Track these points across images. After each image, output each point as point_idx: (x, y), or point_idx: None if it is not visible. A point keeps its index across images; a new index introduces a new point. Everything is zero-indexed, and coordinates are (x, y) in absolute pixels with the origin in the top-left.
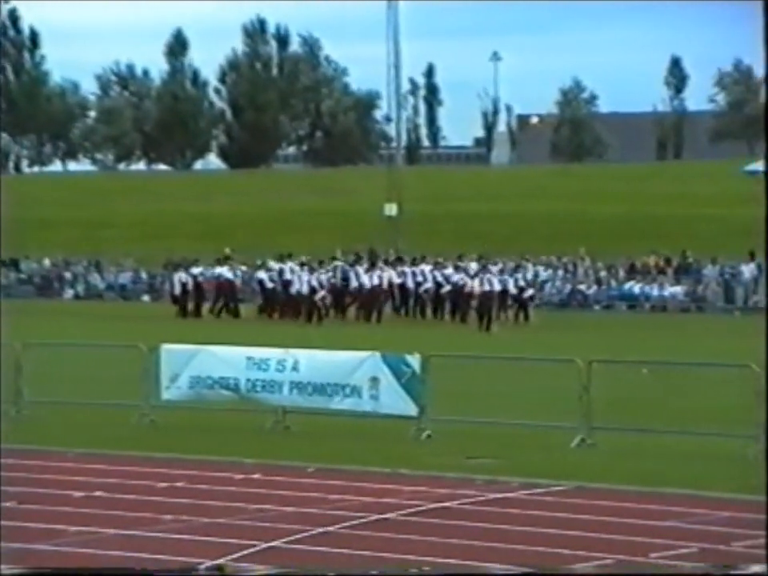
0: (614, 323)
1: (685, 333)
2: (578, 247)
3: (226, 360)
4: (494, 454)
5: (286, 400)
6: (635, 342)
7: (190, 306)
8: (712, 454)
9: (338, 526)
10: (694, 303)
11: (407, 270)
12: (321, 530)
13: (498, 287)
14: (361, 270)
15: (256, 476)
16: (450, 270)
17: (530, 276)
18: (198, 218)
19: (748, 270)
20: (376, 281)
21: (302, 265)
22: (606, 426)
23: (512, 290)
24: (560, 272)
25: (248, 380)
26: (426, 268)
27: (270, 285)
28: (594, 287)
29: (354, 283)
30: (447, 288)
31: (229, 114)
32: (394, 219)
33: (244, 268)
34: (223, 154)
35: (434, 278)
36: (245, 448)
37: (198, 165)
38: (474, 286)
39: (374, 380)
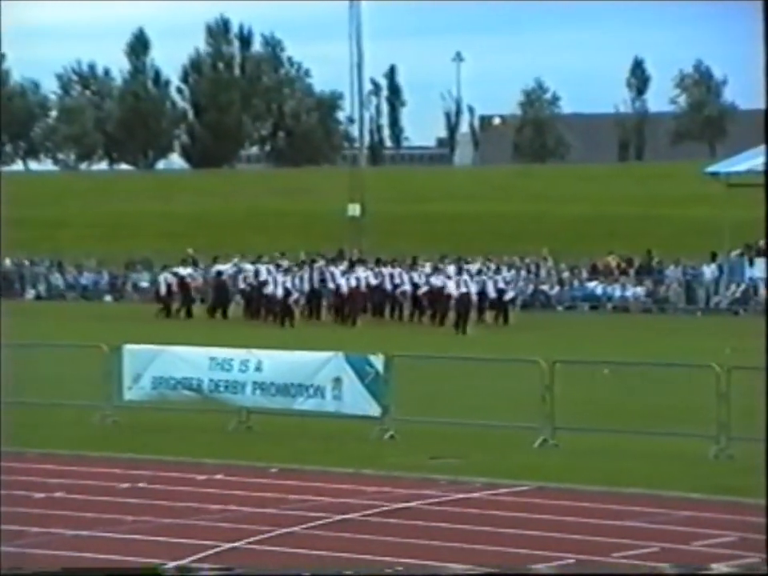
0: (576, 324)
1: (646, 333)
2: (540, 248)
3: (189, 360)
4: (457, 455)
5: (249, 400)
6: (597, 343)
7: (176, 306)
8: (673, 453)
9: (300, 527)
10: (655, 304)
11: (384, 271)
12: (283, 530)
13: (475, 289)
14: (337, 271)
15: (218, 476)
16: (428, 271)
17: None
18: (161, 217)
19: (709, 270)
20: (353, 283)
21: (277, 266)
22: (569, 426)
23: (491, 292)
24: (523, 272)
25: (211, 380)
26: (404, 270)
27: (243, 286)
28: (557, 288)
29: (330, 285)
30: (424, 290)
31: (191, 114)
32: (357, 220)
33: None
34: (185, 154)
35: (411, 279)
36: (207, 448)
37: (161, 165)
38: (451, 288)
39: (337, 380)
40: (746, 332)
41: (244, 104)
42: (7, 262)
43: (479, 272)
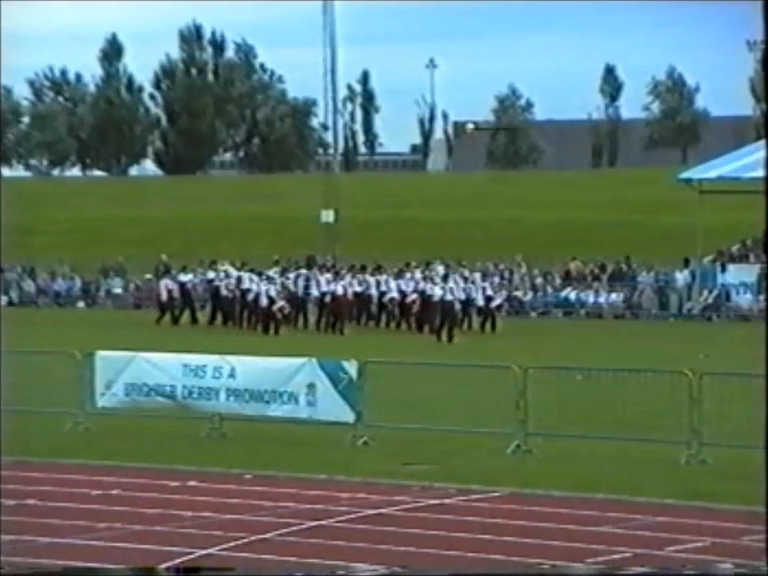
0: (549, 330)
1: (619, 339)
2: (514, 254)
3: (162, 367)
4: (431, 461)
5: (223, 407)
6: (571, 349)
7: (180, 313)
8: (646, 459)
9: (274, 533)
10: (628, 310)
11: (370, 278)
12: (257, 537)
13: (461, 296)
14: (323, 278)
15: (192, 483)
16: (418, 276)
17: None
18: (134, 223)
19: (682, 276)
20: (339, 290)
21: (259, 274)
22: (542, 431)
23: (479, 299)
24: (496, 279)
25: (184, 387)
26: (390, 276)
27: (225, 293)
28: (530, 294)
29: (314, 292)
30: (413, 297)
31: (164, 120)
32: (331, 226)
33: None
34: (159, 160)
35: (399, 286)
36: (180, 455)
37: (134, 171)
38: (435, 294)
39: (311, 386)
40: (719, 338)
41: (217, 110)
42: None
43: (465, 279)
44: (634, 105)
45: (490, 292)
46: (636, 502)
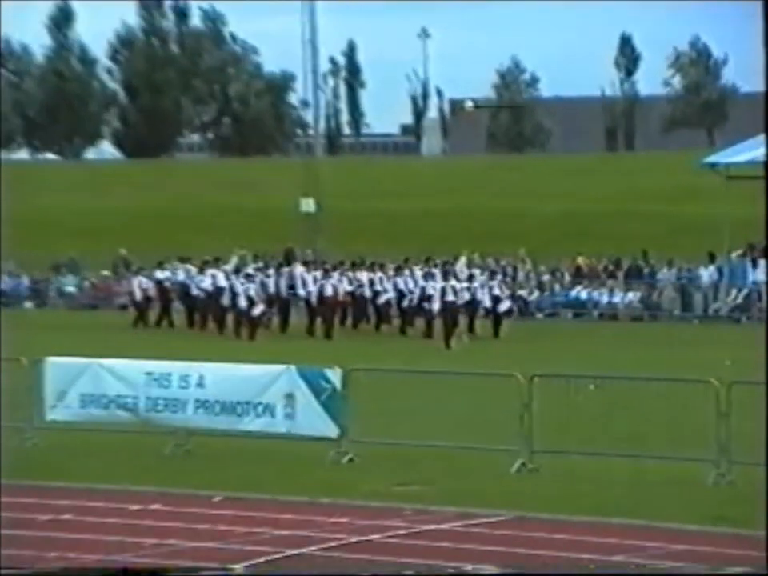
0: (558, 333)
1: (637, 344)
2: (518, 248)
3: (122, 375)
4: (425, 481)
5: (190, 420)
6: (582, 354)
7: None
8: (667, 479)
9: (247, 563)
10: (647, 311)
11: (363, 277)
12: (228, 567)
13: (464, 297)
14: (309, 277)
15: (155, 507)
16: (418, 275)
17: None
18: (89, 214)
19: (707, 273)
20: (329, 290)
21: (236, 271)
22: (550, 448)
23: (485, 301)
24: (498, 276)
25: (147, 398)
26: (386, 275)
27: (196, 292)
28: (536, 293)
29: (301, 292)
30: (410, 298)
31: (123, 96)
32: (312, 217)
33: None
34: (118, 142)
35: (396, 285)
36: (142, 475)
37: (90, 154)
38: (436, 296)
39: (290, 397)
40: (749, 342)
41: (183, 85)
42: None
43: (470, 278)
44: (652, 80)
45: (497, 292)
46: (655, 527)
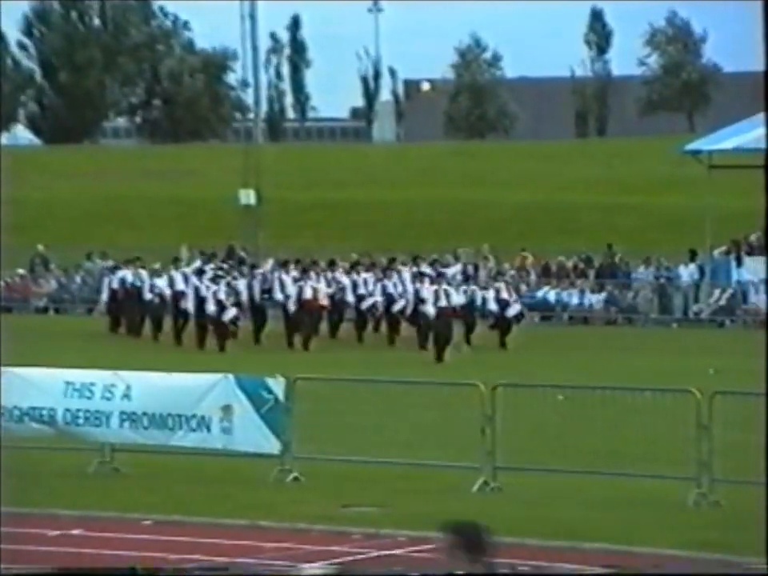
0: (524, 337)
1: (610, 350)
2: (479, 244)
3: (39, 385)
4: (376, 502)
5: (115, 435)
6: (549, 362)
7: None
8: (644, 499)
9: None
10: (621, 313)
11: (344, 279)
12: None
13: (459, 301)
14: (288, 278)
15: (76, 532)
16: (406, 277)
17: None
18: (3, 205)
19: (687, 272)
20: (309, 293)
21: (199, 272)
22: (515, 465)
23: (492, 305)
24: (458, 275)
25: (67, 410)
26: (373, 276)
27: (149, 297)
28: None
29: (278, 296)
30: (402, 304)
31: (39, 76)
32: (252, 209)
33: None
34: (34, 126)
35: (384, 289)
36: (62, 497)
37: (3, 139)
38: (428, 299)
39: (227, 409)
40: (733, 348)
41: (107, 64)
42: None
43: (467, 278)
44: (627, 59)
45: (504, 295)
46: (632, 552)
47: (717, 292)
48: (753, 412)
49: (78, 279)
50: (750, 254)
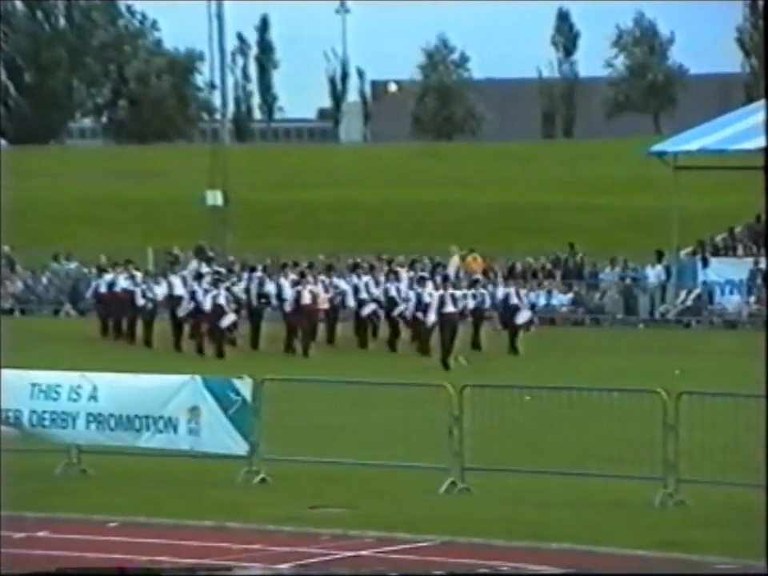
0: (490, 339)
1: (577, 350)
2: (447, 244)
3: (5, 387)
4: (344, 502)
5: (82, 437)
6: (516, 362)
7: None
8: (610, 500)
9: None
10: (588, 314)
11: (342, 283)
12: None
13: (467, 304)
14: (286, 282)
15: (42, 534)
16: (405, 280)
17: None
18: None
19: (654, 273)
20: (307, 297)
21: (198, 276)
22: (483, 466)
23: (501, 310)
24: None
25: (32, 411)
26: (373, 279)
27: (142, 302)
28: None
29: (275, 300)
30: (402, 308)
31: (4, 76)
32: (219, 210)
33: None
34: None
35: (386, 292)
36: (27, 498)
37: None
38: (431, 305)
39: (194, 410)
40: (700, 349)
41: (73, 64)
42: None
43: (474, 283)
44: (594, 60)
45: (515, 300)
46: (598, 553)
47: (683, 293)
48: (719, 412)
49: (44, 280)
50: (716, 254)
